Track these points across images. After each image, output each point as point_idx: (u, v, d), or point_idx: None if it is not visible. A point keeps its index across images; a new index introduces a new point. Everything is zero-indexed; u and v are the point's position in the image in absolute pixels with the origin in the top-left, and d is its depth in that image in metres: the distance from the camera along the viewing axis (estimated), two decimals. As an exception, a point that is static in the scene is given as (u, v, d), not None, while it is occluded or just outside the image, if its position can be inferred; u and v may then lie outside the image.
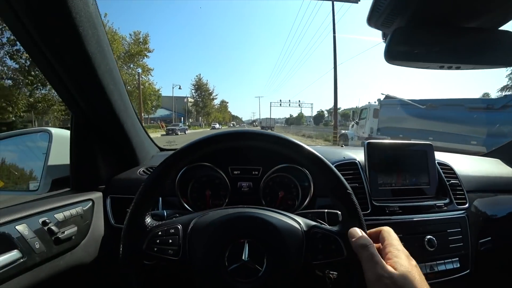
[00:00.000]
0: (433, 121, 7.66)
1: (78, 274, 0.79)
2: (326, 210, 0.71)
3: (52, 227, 0.69)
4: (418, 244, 0.87)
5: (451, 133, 6.98)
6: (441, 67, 0.69)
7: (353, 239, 0.51)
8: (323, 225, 0.59)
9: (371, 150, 0.95)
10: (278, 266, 0.53)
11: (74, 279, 0.80)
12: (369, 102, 11.15)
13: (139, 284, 0.54)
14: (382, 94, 10.04)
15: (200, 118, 56.88)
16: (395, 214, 0.90)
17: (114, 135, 0.92)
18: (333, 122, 15.70)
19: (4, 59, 14.89)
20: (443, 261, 0.89)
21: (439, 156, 1.13)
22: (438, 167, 1.03)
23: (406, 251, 0.50)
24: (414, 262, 0.48)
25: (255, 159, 1.01)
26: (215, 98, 56.09)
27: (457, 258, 0.91)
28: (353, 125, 12.32)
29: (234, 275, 0.52)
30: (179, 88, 43.59)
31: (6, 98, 14.33)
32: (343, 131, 13.91)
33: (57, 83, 0.71)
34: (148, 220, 0.56)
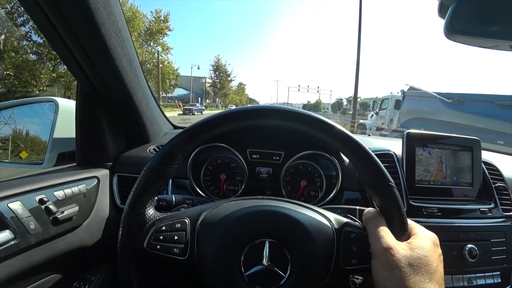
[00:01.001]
0: (458, 116, 7.21)
1: (79, 256, 0.74)
2: (358, 207, 0.60)
3: (50, 206, 0.63)
4: (457, 253, 0.76)
5: (477, 130, 6.54)
6: (513, 47, 0.58)
7: (364, 216, 0.48)
8: (357, 223, 0.50)
9: (410, 141, 0.83)
10: (304, 272, 0.44)
11: (75, 261, 0.75)
12: (391, 93, 10.63)
13: (140, 284, 0.47)
14: (407, 84, 9.46)
15: (217, 99, 56.82)
16: (433, 216, 0.80)
17: (122, 107, 0.84)
18: (352, 110, 15.25)
19: (30, 33, 15.23)
20: (483, 275, 0.78)
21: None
22: (484, 166, 0.90)
23: (436, 237, 0.45)
24: (439, 250, 0.44)
25: (277, 143, 0.91)
26: (233, 80, 55.65)
27: (499, 272, 0.80)
28: (372, 115, 11.88)
29: (251, 281, 0.44)
30: (198, 68, 43.33)
31: (31, 72, 14.73)
32: (361, 121, 13.49)
33: (58, 43, 0.63)
34: (151, 212, 0.48)
